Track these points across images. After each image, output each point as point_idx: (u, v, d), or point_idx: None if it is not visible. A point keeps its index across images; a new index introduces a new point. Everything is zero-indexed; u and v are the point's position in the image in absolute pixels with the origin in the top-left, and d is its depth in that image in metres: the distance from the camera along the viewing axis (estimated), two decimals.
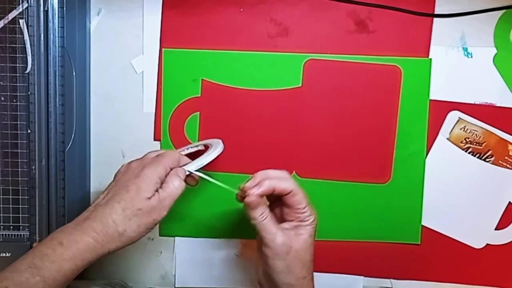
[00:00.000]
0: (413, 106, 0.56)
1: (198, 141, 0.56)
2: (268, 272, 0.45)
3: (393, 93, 0.56)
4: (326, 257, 0.58)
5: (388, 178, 0.56)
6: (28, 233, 0.55)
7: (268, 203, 0.47)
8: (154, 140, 0.57)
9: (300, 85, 0.56)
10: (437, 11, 0.55)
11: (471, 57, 0.55)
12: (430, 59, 0.55)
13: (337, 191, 0.57)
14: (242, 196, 0.45)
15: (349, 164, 0.56)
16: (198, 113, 0.56)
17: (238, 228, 0.58)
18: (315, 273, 0.58)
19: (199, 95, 0.56)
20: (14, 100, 0.54)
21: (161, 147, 0.57)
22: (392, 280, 0.58)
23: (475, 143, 0.56)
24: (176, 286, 0.59)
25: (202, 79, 0.56)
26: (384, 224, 0.57)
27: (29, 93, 0.53)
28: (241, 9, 0.55)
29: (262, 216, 0.44)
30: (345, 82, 0.56)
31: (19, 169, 0.55)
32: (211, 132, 0.56)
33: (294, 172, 0.57)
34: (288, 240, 0.44)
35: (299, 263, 0.44)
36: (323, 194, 0.56)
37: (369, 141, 0.56)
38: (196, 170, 0.47)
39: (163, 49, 0.56)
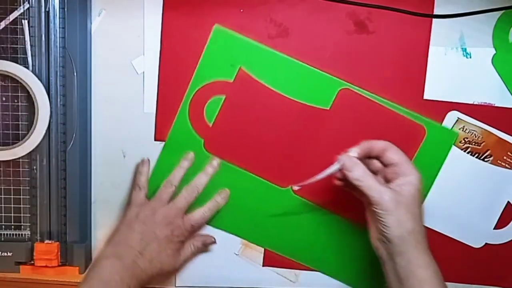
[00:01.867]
0: (424, 168, 0.53)
1: (214, 122, 0.56)
2: (380, 228, 0.46)
3: (409, 151, 0.54)
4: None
5: None
6: (29, 233, 0.56)
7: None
8: (155, 140, 0.57)
9: (329, 108, 0.55)
10: (436, 11, 0.55)
11: (470, 57, 0.55)
12: (457, 133, 0.55)
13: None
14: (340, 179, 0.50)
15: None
16: (224, 96, 0.56)
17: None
18: (316, 272, 0.59)
19: (232, 81, 0.56)
20: (16, 101, 0.54)
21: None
22: None
23: (474, 143, 0.56)
24: (176, 285, 0.59)
25: (240, 67, 0.55)
26: None
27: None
28: (241, 10, 0.55)
29: (364, 176, 0.46)
30: (370, 123, 0.55)
31: (21, 169, 0.55)
32: (229, 119, 0.56)
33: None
34: (395, 195, 0.45)
35: (409, 216, 0.45)
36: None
37: None
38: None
39: (214, 25, 0.55)
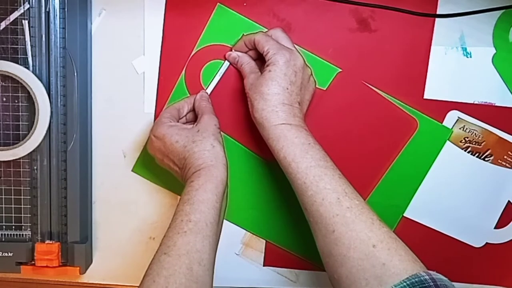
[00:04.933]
0: (413, 160, 0.56)
1: (208, 83, 0.56)
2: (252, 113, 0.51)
3: (398, 142, 0.56)
4: None
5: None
6: (30, 233, 0.56)
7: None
8: None
9: (325, 88, 0.56)
10: (437, 11, 0.55)
11: (470, 57, 0.55)
12: (452, 130, 0.56)
13: None
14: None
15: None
16: (222, 61, 0.56)
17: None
18: (316, 272, 0.59)
19: (231, 46, 0.56)
20: (16, 101, 0.55)
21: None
22: None
23: (474, 143, 0.56)
24: None
25: (243, 34, 0.55)
26: None
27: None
28: (245, 4, 0.55)
29: (241, 63, 0.53)
30: (364, 108, 0.56)
31: (21, 169, 0.55)
32: (225, 84, 0.56)
33: None
34: (255, 78, 0.51)
35: (257, 96, 0.49)
36: None
37: (366, 162, 0.56)
38: None
39: (217, 4, 0.55)
